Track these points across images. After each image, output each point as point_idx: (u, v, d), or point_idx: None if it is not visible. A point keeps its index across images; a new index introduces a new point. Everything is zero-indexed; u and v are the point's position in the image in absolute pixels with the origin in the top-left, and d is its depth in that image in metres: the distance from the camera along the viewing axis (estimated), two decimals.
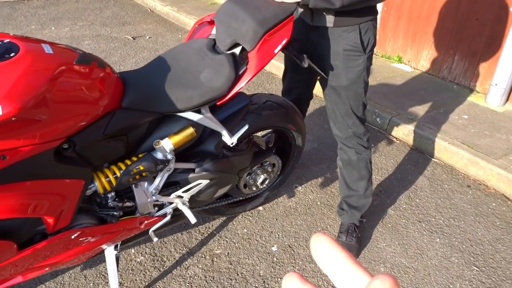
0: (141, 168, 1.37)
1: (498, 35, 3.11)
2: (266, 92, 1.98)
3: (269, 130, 2.05)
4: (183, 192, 1.59)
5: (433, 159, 2.66)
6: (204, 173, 1.58)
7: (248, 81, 1.47)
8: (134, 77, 1.40)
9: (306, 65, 1.53)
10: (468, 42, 3.31)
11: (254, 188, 1.96)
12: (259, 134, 2.05)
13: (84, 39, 4.36)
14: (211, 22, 1.66)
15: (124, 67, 3.75)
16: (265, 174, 1.93)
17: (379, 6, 3.56)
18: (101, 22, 4.93)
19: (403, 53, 3.84)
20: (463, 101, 3.19)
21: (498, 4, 3.04)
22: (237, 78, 1.48)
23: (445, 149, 2.63)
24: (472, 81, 3.37)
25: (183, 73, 1.46)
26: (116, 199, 1.42)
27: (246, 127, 1.64)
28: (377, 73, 3.55)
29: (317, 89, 1.99)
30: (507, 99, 3.13)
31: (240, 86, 1.47)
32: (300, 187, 2.35)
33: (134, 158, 1.39)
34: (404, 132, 2.84)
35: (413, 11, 3.63)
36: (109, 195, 1.38)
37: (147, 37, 4.55)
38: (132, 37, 4.49)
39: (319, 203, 2.24)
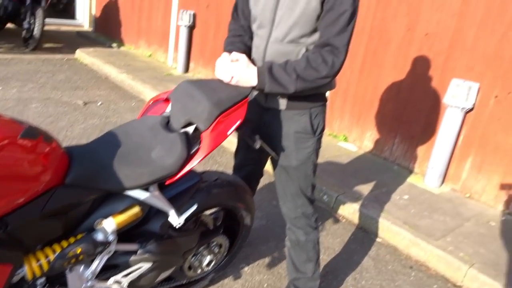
0: (79, 251, 1.27)
1: (432, 122, 3.41)
2: (217, 167, 1.98)
3: (218, 208, 2.01)
4: (122, 276, 1.48)
5: (377, 239, 2.72)
6: (147, 255, 1.50)
7: (200, 161, 1.47)
8: (82, 152, 1.36)
9: (257, 147, 1.56)
10: (407, 127, 3.59)
11: (199, 271, 1.87)
12: (207, 212, 2.01)
13: (32, 101, 4.24)
14: (166, 100, 1.68)
15: (72, 132, 3.64)
16: (211, 255, 1.87)
17: None
18: (52, 85, 4.85)
19: (349, 132, 4.07)
20: (403, 181, 3.37)
21: (432, 94, 3.37)
22: (189, 157, 1.48)
23: (388, 229, 2.71)
24: (411, 163, 3.60)
25: (134, 150, 1.44)
26: (46, 285, 1.29)
27: (195, 206, 1.61)
28: (324, 151, 3.70)
29: (267, 166, 2.02)
30: (443, 181, 3.36)
31: (191, 165, 1.46)
32: (247, 268, 2.28)
33: (72, 239, 1.30)
34: (349, 211, 2.91)
35: (358, 95, 3.92)
36: (38, 282, 1.26)
37: (99, 103, 4.51)
38: (83, 102, 4.42)
39: (265, 285, 2.17)
